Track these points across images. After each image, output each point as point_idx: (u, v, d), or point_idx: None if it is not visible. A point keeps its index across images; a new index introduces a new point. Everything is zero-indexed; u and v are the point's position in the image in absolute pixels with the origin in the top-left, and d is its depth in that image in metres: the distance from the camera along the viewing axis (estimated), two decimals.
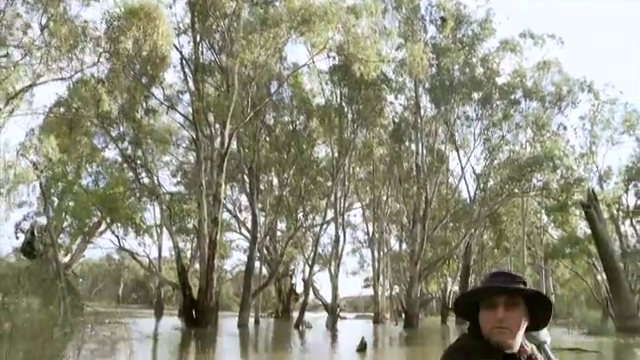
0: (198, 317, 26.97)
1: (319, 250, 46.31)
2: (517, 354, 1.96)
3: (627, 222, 43.31)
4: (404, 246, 51.90)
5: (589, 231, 38.10)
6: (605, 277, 38.34)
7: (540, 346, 2.07)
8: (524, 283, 2.03)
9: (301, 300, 47.91)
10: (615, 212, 41.55)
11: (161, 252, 47.68)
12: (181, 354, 17.92)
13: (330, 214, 40.07)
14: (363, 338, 18.92)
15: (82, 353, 14.01)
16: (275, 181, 42.99)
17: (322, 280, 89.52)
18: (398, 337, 28.07)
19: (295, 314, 45.25)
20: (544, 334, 2.17)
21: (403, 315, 47.33)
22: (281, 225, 46.33)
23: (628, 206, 42.77)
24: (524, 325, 1.98)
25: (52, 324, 17.28)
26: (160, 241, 46.43)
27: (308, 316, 45.67)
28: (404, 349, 22.54)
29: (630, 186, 42.44)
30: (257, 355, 19.46)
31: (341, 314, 45.15)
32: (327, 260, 47.17)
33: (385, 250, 50.29)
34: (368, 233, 50.52)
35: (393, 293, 55.48)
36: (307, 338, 27.03)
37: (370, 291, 66.22)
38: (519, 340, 1.98)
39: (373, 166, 43.74)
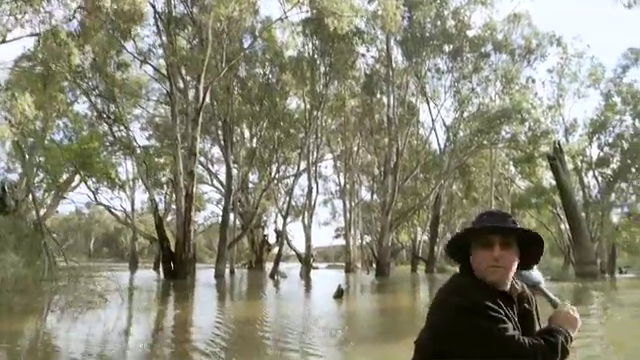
0: (176, 269, 27.69)
1: (292, 201, 47.45)
2: (509, 292, 2.06)
3: (590, 174, 45.24)
4: (375, 197, 53.25)
5: (554, 182, 39.82)
6: (568, 226, 40.45)
7: (535, 287, 2.21)
8: (514, 222, 2.11)
9: (274, 251, 49.16)
10: (579, 164, 43.29)
11: (134, 206, 48.13)
12: (167, 303, 18.73)
13: (302, 165, 41.01)
14: (340, 285, 20.03)
15: (72, 305, 14.49)
16: (248, 134, 43.49)
17: (294, 231, 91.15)
18: (371, 285, 29.22)
19: (268, 265, 46.46)
20: (537, 275, 2.22)
21: (374, 264, 48.97)
22: (252, 177, 47.08)
23: (591, 158, 44.61)
24: (516, 264, 2.07)
25: (39, 278, 18.01)
26: (133, 195, 46.85)
27: (281, 266, 46.99)
28: (378, 295, 23.68)
29: (594, 139, 44.20)
30: (240, 302, 20.20)
31: (313, 264, 46.40)
32: (299, 211, 48.26)
33: (356, 201, 51.55)
34: (339, 184, 51.61)
35: (364, 243, 57.00)
36: (284, 287, 27.99)
37: (340, 241, 67.89)
38: (510, 278, 2.07)
39: (345, 118, 44.48)
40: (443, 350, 1.95)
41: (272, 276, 34.53)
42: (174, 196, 31.96)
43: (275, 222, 54.37)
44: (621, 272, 43.38)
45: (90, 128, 34.32)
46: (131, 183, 43.95)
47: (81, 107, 35.29)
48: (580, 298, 20.91)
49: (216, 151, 47.35)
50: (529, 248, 2.09)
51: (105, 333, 10.85)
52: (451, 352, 1.93)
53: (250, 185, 46.59)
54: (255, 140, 40.09)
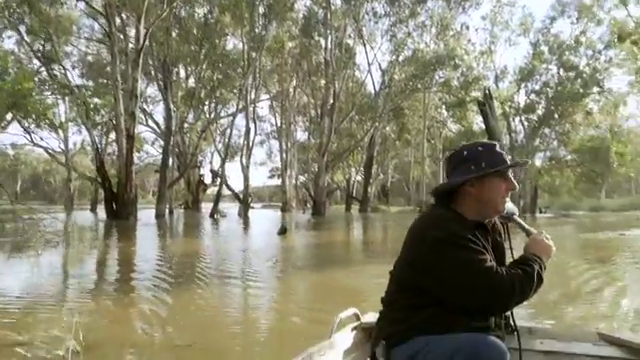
0: (119, 209, 28.36)
1: (226, 141, 48.36)
2: (485, 223, 2.17)
3: (517, 119, 47.88)
4: (311, 138, 54.73)
5: (483, 126, 42.30)
6: None
7: (510, 218, 2.25)
8: None
9: (210, 191, 50.20)
10: (507, 109, 45.91)
11: (67, 147, 47.81)
12: (112, 241, 18.70)
13: (240, 106, 41.70)
14: (283, 223, 21.63)
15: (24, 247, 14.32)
16: (183, 74, 43.70)
17: (229, 171, 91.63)
18: (310, 223, 30.44)
19: (204, 205, 47.55)
20: (512, 206, 2.25)
21: (309, 204, 50.83)
22: (188, 117, 47.44)
23: (519, 104, 47.32)
24: None
25: None
26: (66, 136, 46.49)
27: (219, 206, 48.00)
28: (318, 232, 24.82)
29: (522, 86, 46.90)
30: (185, 239, 20.74)
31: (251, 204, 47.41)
32: (234, 151, 49.26)
33: (292, 141, 52.86)
34: (276, 125, 52.63)
35: (298, 183, 58.59)
36: (225, 225, 28.78)
37: (275, 181, 69.49)
38: None
39: (282, 59, 45.27)
40: (423, 283, 2.03)
41: (212, 215, 35.51)
42: (111, 137, 32.10)
43: (211, 162, 55.28)
44: (541, 212, 46.23)
45: (17, 65, 33.73)
46: (65, 124, 43.49)
47: (6, 43, 34.70)
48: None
49: (150, 91, 47.49)
50: None
51: (50, 271, 10.91)
52: (430, 284, 2.01)
53: (185, 125, 47.01)
54: (194, 81, 40.43)
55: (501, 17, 47.29)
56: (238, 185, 49.78)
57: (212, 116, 45.83)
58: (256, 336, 5.68)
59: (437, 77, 43.70)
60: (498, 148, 2.18)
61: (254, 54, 38.11)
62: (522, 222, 2.27)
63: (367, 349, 2.42)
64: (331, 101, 40.97)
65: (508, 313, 2.24)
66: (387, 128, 54.61)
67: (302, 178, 59.30)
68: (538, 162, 48.88)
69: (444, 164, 2.49)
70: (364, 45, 45.62)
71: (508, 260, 2.18)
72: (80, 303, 7.21)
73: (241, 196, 40.81)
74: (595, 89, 44.49)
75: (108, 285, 9.26)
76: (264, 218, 36.31)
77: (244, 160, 39.86)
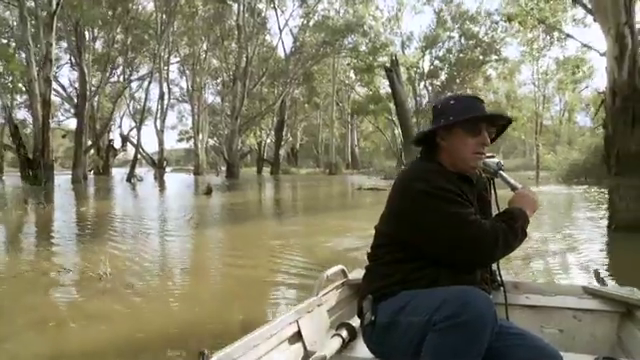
0: (36, 175, 28.34)
1: (137, 106, 48.94)
2: (470, 176, 2.21)
3: (422, 84, 51.29)
4: (219, 100, 55.76)
5: (390, 91, 45.24)
6: (400, 131, 46.41)
7: (496, 173, 2.22)
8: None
9: (120, 155, 50.61)
10: (413, 75, 49.16)
11: None
12: (31, 207, 19.28)
13: (147, 69, 42.32)
14: (209, 183, 23.53)
15: None
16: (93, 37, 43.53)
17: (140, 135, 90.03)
18: (228, 185, 31.93)
19: (114, 170, 48.06)
20: (495, 161, 2.22)
21: (220, 167, 52.31)
22: (95, 81, 47.31)
23: (424, 70, 50.67)
24: None
25: None
26: None
27: (125, 171, 48.16)
28: (239, 192, 26.72)
29: (426, 52, 50.24)
30: (116, 201, 21.60)
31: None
32: (144, 116, 49.80)
33: (204, 105, 53.85)
34: (188, 88, 53.40)
35: (208, 146, 59.64)
36: (144, 188, 29.78)
37: (183, 145, 70.09)
38: None
39: (193, 22, 45.93)
40: (407, 236, 2.07)
41: (129, 180, 36.34)
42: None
43: (120, 127, 55.45)
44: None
45: None
46: None
47: None
48: None
49: (57, 53, 46.87)
50: (490, 135, 2.20)
51: None
52: (414, 237, 2.04)
53: (92, 88, 46.87)
54: (105, 45, 40.57)
55: None
56: (148, 149, 50.40)
57: (124, 80, 45.98)
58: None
59: (346, 42, 45.89)
60: (470, 102, 2.20)
61: (164, 16, 38.60)
62: (507, 177, 2.27)
63: (354, 305, 2.41)
64: (243, 66, 42.15)
65: (494, 268, 2.33)
66: (296, 92, 56.13)
67: (211, 141, 60.46)
68: None
69: None
70: (275, 10, 47.19)
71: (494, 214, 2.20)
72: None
73: (156, 160, 41.61)
74: (493, 57, 48.41)
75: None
76: (179, 181, 37.35)
77: (159, 124, 40.80)
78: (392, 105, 45.92)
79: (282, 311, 2.53)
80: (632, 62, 9.78)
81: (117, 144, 48.84)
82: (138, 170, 43.61)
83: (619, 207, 10.14)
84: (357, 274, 2.96)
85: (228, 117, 46.60)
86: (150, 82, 43.14)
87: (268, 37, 51.12)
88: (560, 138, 42.97)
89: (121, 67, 44.68)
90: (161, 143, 40.58)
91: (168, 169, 69.92)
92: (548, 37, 38.45)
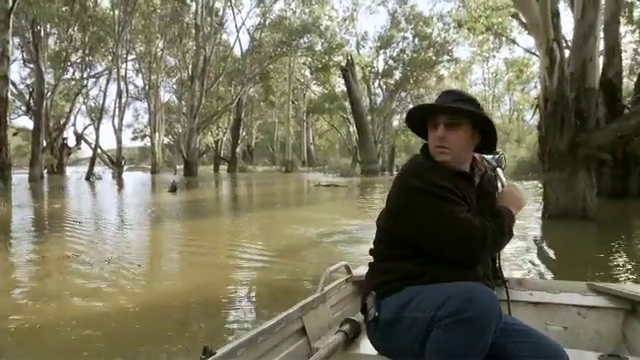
0: None
1: (90, 103, 49.00)
2: (469, 172, 2.19)
3: (376, 83, 52.95)
4: (174, 99, 56.39)
5: (345, 89, 46.68)
6: (355, 129, 47.93)
7: (494, 169, 2.28)
8: (477, 106, 2.17)
9: (74, 154, 50.44)
10: (367, 74, 50.66)
11: None
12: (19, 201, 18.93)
13: (104, 66, 42.46)
14: (174, 181, 24.32)
15: None
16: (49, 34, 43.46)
17: (93, 133, 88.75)
18: (187, 183, 32.17)
19: (68, 168, 47.92)
20: (491, 158, 2.27)
21: (177, 166, 52.69)
22: (48, 78, 47.08)
23: (378, 69, 52.33)
24: (470, 146, 2.18)
25: None
26: None
27: (79, 169, 48.08)
28: (201, 189, 27.62)
29: (381, 52, 51.86)
30: (80, 199, 21.70)
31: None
32: (98, 115, 49.81)
33: (160, 103, 54.01)
34: (144, 87, 53.46)
35: (164, 145, 59.75)
36: (105, 187, 30.12)
37: (137, 143, 69.91)
38: (465, 159, 2.19)
39: (149, 20, 46.05)
40: (402, 232, 2.10)
41: (88, 178, 36.76)
42: None
43: (74, 125, 55.21)
44: (398, 170, 51.69)
45: None
46: None
47: None
48: (363, 188, 27.38)
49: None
50: (487, 134, 2.19)
51: None
52: (409, 233, 2.07)
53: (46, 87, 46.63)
54: (59, 42, 40.57)
55: None
56: (103, 147, 50.25)
57: (80, 78, 45.89)
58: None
59: (302, 42, 46.92)
60: (444, 92, 2.26)
61: (121, 14, 38.96)
62: (500, 175, 2.31)
63: (358, 302, 2.42)
64: (202, 65, 42.69)
65: (497, 264, 2.33)
66: (252, 90, 56.89)
67: (166, 140, 60.56)
68: (395, 123, 54.03)
69: None
70: (232, 9, 48.01)
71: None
72: None
73: (114, 158, 41.82)
74: (446, 57, 50.30)
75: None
76: (138, 180, 37.69)
77: (116, 122, 41.10)
78: (347, 104, 47.56)
79: (284, 308, 2.53)
80: (561, 72, 11.31)
81: (71, 142, 48.76)
82: (95, 169, 43.62)
83: (551, 199, 11.71)
84: (361, 270, 2.97)
85: (185, 115, 47.09)
86: (108, 80, 43.43)
87: (225, 36, 51.81)
88: (509, 136, 44.85)
89: (77, 65, 44.56)
90: (119, 141, 40.86)
91: (125, 167, 69.71)
92: (497, 40, 40.28)
